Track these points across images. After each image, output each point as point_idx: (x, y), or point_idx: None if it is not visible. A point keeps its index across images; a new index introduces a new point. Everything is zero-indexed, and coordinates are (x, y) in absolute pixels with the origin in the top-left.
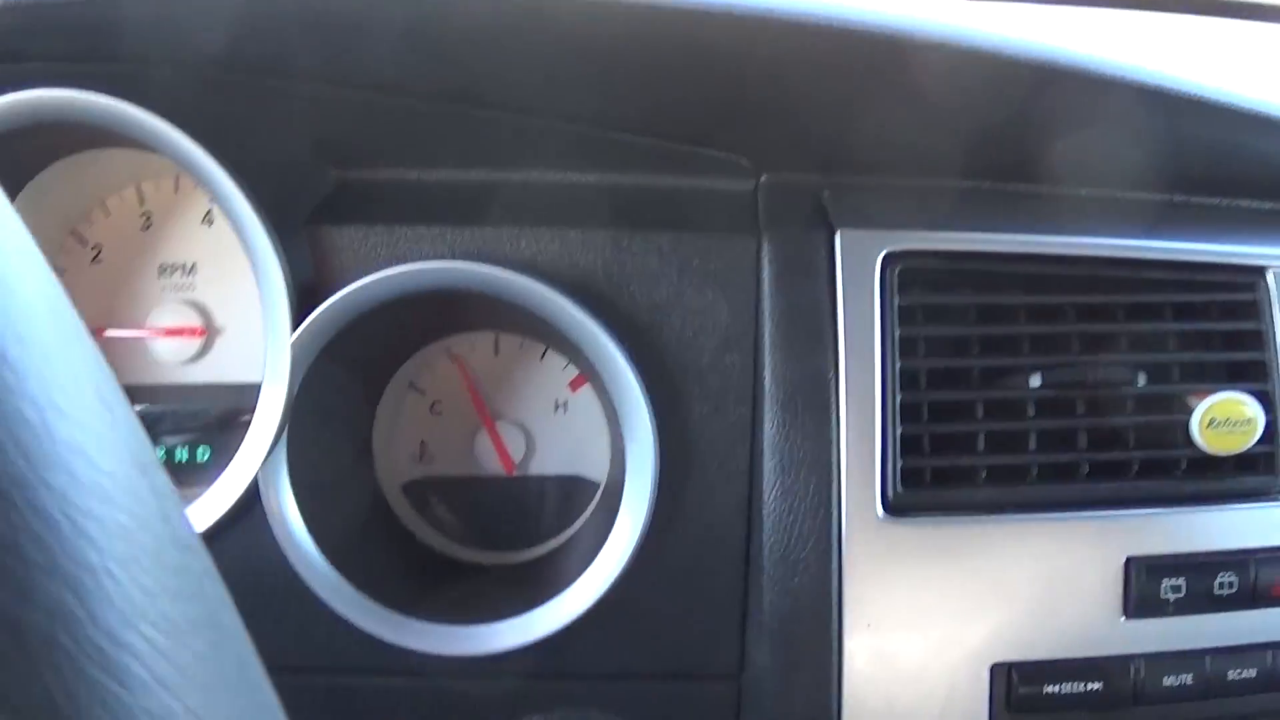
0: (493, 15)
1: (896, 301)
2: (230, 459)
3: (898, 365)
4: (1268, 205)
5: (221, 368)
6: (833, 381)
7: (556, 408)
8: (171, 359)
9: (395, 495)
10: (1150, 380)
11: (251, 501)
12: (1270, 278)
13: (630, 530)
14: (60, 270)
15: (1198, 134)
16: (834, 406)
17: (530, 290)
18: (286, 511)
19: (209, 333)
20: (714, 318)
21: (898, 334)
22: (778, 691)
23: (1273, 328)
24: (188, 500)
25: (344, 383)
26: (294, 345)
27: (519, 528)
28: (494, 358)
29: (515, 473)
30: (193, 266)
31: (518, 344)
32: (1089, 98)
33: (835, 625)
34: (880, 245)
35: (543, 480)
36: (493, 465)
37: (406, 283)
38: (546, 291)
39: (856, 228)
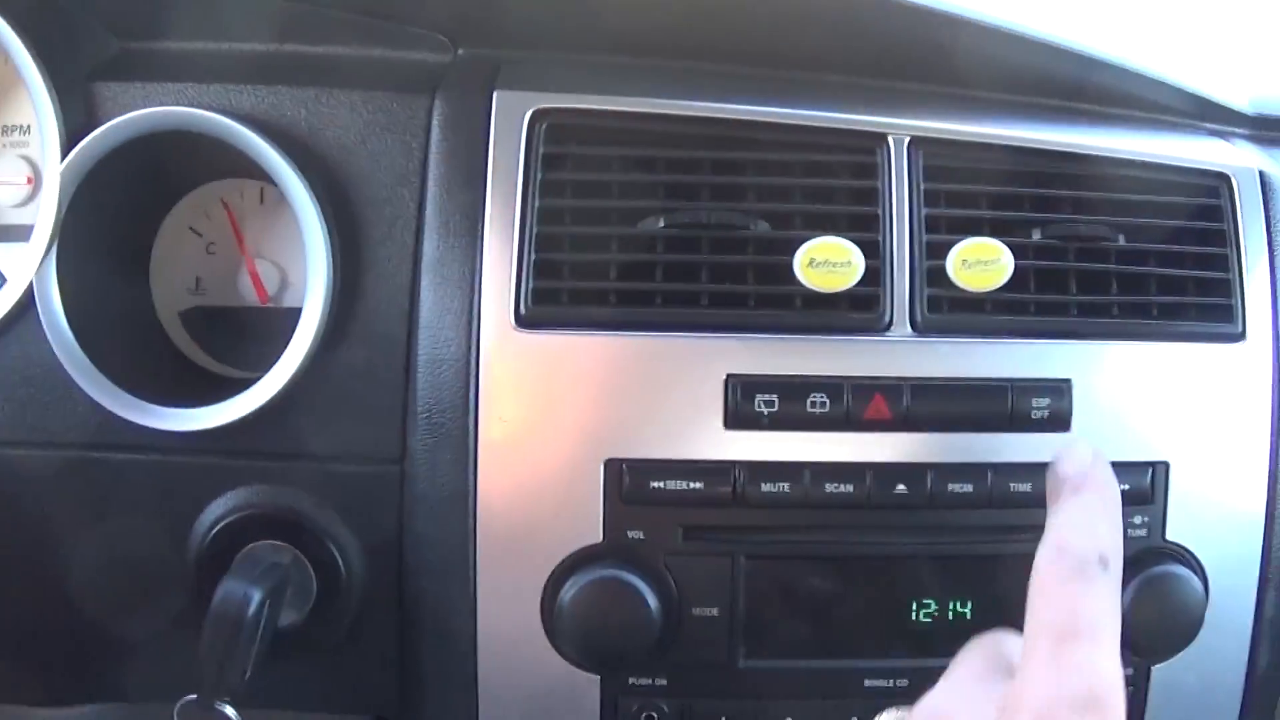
0: None
1: (541, 150)
2: None
3: (537, 203)
4: (900, 85)
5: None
6: (480, 215)
7: None
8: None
9: (172, 321)
10: (774, 227)
11: (29, 304)
12: (890, 142)
13: (309, 331)
14: None
15: (831, 17)
16: (479, 235)
17: (233, 131)
18: (54, 307)
19: (35, 182)
20: (390, 160)
21: (540, 178)
22: (427, 474)
23: (887, 186)
24: None
25: (118, 211)
26: (62, 172)
27: (272, 348)
28: (259, 205)
29: (269, 303)
30: (28, 128)
31: (279, 194)
32: None
33: (472, 417)
34: (530, 104)
35: (294, 311)
36: (252, 297)
37: (142, 124)
38: (247, 132)
39: (513, 89)
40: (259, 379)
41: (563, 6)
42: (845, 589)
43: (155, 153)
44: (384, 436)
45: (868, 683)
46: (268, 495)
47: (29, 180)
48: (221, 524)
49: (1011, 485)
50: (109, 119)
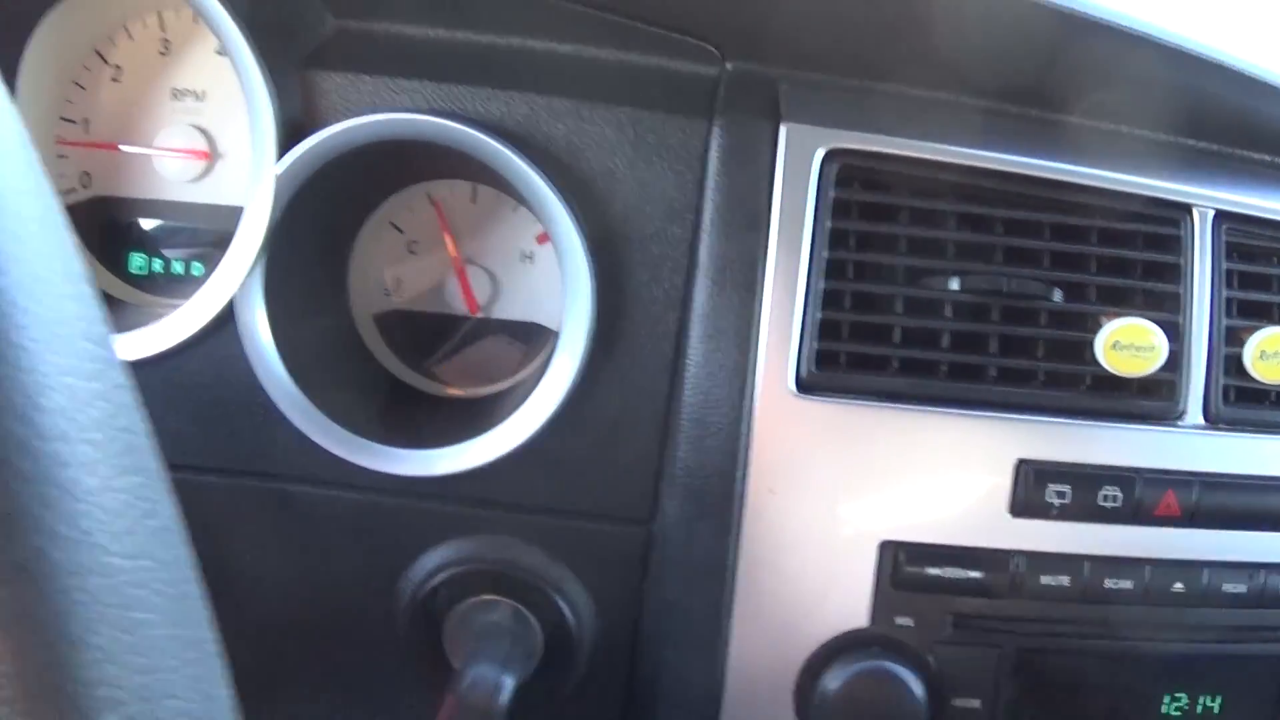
0: None
1: (831, 195)
2: None
3: (825, 255)
4: (1203, 145)
5: (220, 191)
6: (761, 263)
7: (523, 258)
8: (176, 177)
9: (366, 324)
10: (1068, 298)
11: (227, 318)
12: (1195, 215)
13: (563, 378)
14: (81, 87)
15: (1148, 73)
16: (760, 286)
17: (491, 149)
18: (257, 328)
19: (212, 157)
20: (661, 191)
21: (828, 226)
22: (682, 540)
23: (1190, 264)
24: (169, 311)
25: (325, 217)
26: (278, 177)
27: (477, 365)
28: (471, 205)
29: (479, 314)
30: (204, 93)
31: (493, 195)
32: (1048, 22)
33: (739, 486)
34: (822, 141)
35: (504, 324)
36: (459, 305)
37: (382, 130)
38: (506, 151)
39: (802, 122)
40: (480, 404)
41: (855, 28)
42: (1106, 681)
43: (375, 154)
44: (633, 495)
45: None
46: (491, 548)
47: (205, 154)
48: (440, 577)
49: (1270, 583)
50: (330, 115)
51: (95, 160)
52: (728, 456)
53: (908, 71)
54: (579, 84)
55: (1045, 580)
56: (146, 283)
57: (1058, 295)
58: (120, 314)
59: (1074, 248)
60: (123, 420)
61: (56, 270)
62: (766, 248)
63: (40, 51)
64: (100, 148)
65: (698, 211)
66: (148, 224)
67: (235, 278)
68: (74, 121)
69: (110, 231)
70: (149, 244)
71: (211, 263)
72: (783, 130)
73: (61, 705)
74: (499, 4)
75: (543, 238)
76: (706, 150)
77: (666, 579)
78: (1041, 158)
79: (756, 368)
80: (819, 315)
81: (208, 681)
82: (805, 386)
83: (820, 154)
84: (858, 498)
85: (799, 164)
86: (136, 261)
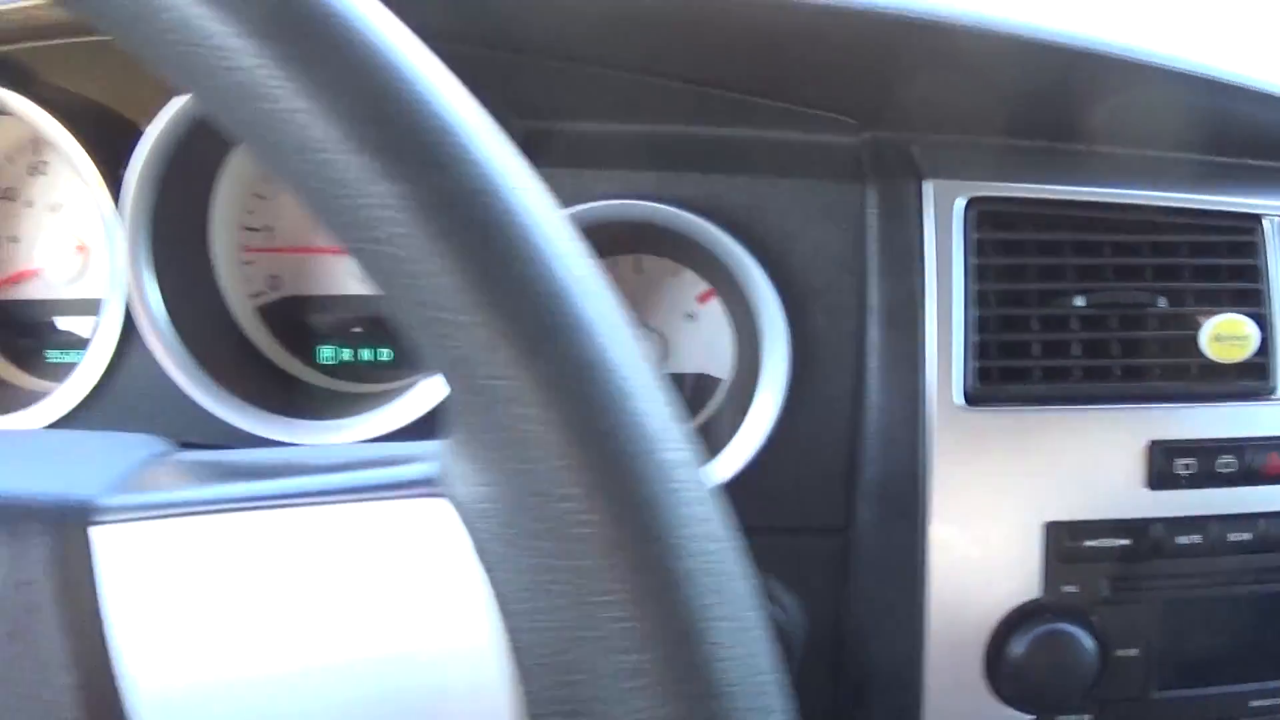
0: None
1: (975, 237)
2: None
3: (975, 287)
4: (1265, 163)
5: None
6: (920, 300)
7: (687, 318)
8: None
9: None
10: (1170, 303)
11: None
12: (1265, 224)
13: (767, 413)
14: (261, 198)
15: (1214, 107)
16: (921, 320)
17: (696, 225)
18: None
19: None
20: (831, 247)
21: (974, 263)
22: (877, 541)
23: (1266, 263)
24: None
25: None
26: None
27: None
28: (636, 275)
29: None
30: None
31: (657, 264)
32: (1126, 79)
33: (923, 488)
34: (961, 192)
35: (676, 376)
36: None
37: (601, 215)
38: (709, 226)
39: (942, 178)
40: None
41: (970, 96)
42: (1239, 624)
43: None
44: (830, 508)
45: (1252, 703)
46: None
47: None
48: None
49: None
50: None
51: (281, 263)
52: (911, 465)
53: (1018, 128)
54: (748, 162)
55: (1180, 540)
56: (340, 371)
57: (1163, 302)
58: (320, 401)
59: (1171, 260)
60: None
61: None
62: (924, 286)
63: (230, 174)
64: (285, 252)
65: (863, 261)
66: (333, 317)
67: None
68: (257, 230)
69: (300, 327)
70: (336, 336)
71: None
72: (928, 186)
73: None
74: (670, 98)
75: (704, 298)
76: (864, 208)
77: (866, 577)
78: (1136, 189)
79: (928, 387)
80: (976, 338)
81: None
82: (971, 399)
83: (962, 203)
84: (1022, 488)
85: (944, 214)
86: (325, 353)
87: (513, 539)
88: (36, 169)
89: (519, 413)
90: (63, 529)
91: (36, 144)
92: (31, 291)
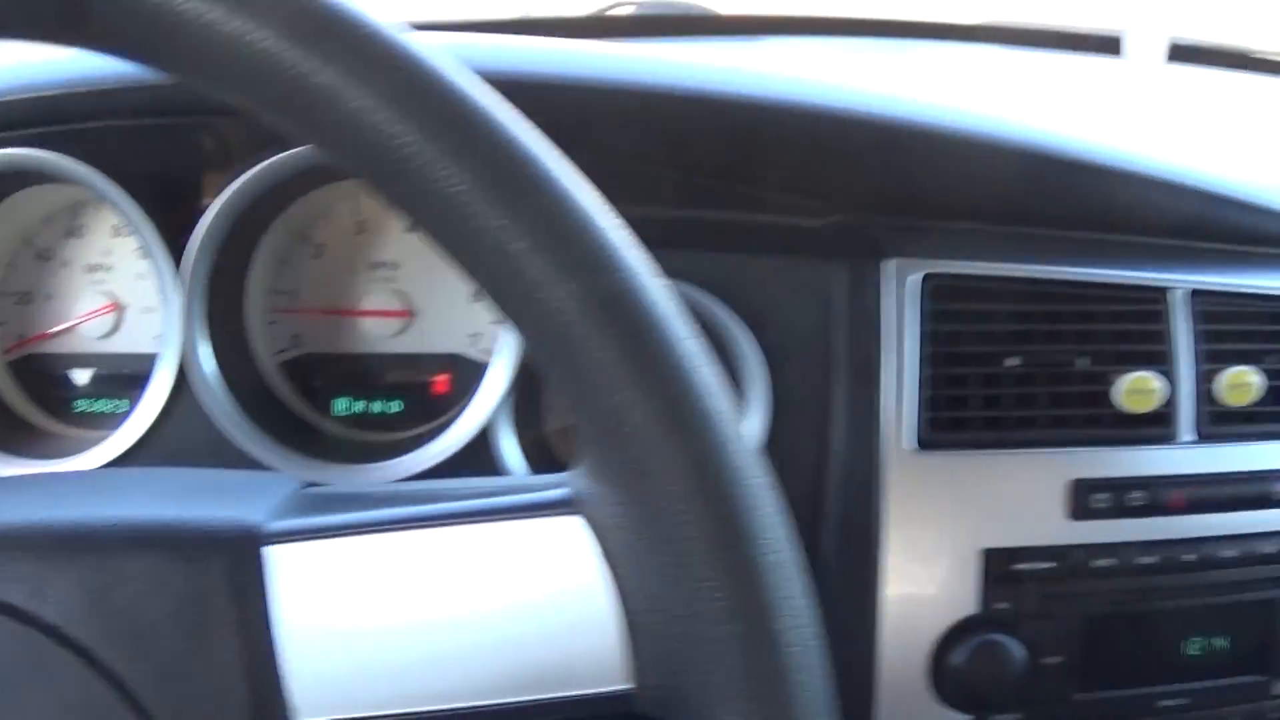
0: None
1: (928, 308)
2: (433, 414)
3: (927, 350)
4: (1173, 242)
5: (424, 341)
6: (877, 361)
7: None
8: (380, 333)
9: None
10: (1091, 362)
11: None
12: (1170, 295)
13: None
14: (287, 263)
15: (1135, 196)
16: (879, 378)
17: (691, 295)
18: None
19: (411, 314)
20: (802, 314)
21: (927, 329)
22: (838, 569)
23: (1171, 329)
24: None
25: None
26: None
27: None
28: None
29: None
30: (396, 263)
31: None
32: (1062, 176)
33: (878, 522)
34: (913, 269)
35: None
36: None
37: None
38: (701, 295)
39: (898, 257)
40: None
41: (924, 185)
42: (1149, 635)
43: None
44: (798, 532)
45: (1160, 703)
46: None
47: (404, 314)
48: None
49: (1264, 549)
50: None
51: (302, 323)
52: (868, 502)
53: (966, 213)
54: (734, 240)
55: (1097, 563)
56: (354, 421)
57: (1084, 361)
58: (335, 449)
59: (1091, 326)
60: None
61: None
62: (880, 349)
63: (266, 244)
64: (307, 313)
65: (829, 328)
66: (349, 371)
67: (483, 410)
68: (283, 293)
69: (318, 381)
70: (354, 390)
71: (419, 404)
72: (887, 265)
73: None
74: (659, 186)
75: None
76: (830, 284)
77: (826, 599)
78: (1063, 265)
79: (884, 435)
80: (927, 394)
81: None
82: (923, 445)
83: (917, 278)
84: (964, 520)
85: (900, 287)
86: (340, 405)
87: (640, 545)
88: (73, 231)
89: (653, 455)
90: (239, 549)
91: (75, 208)
92: (64, 346)
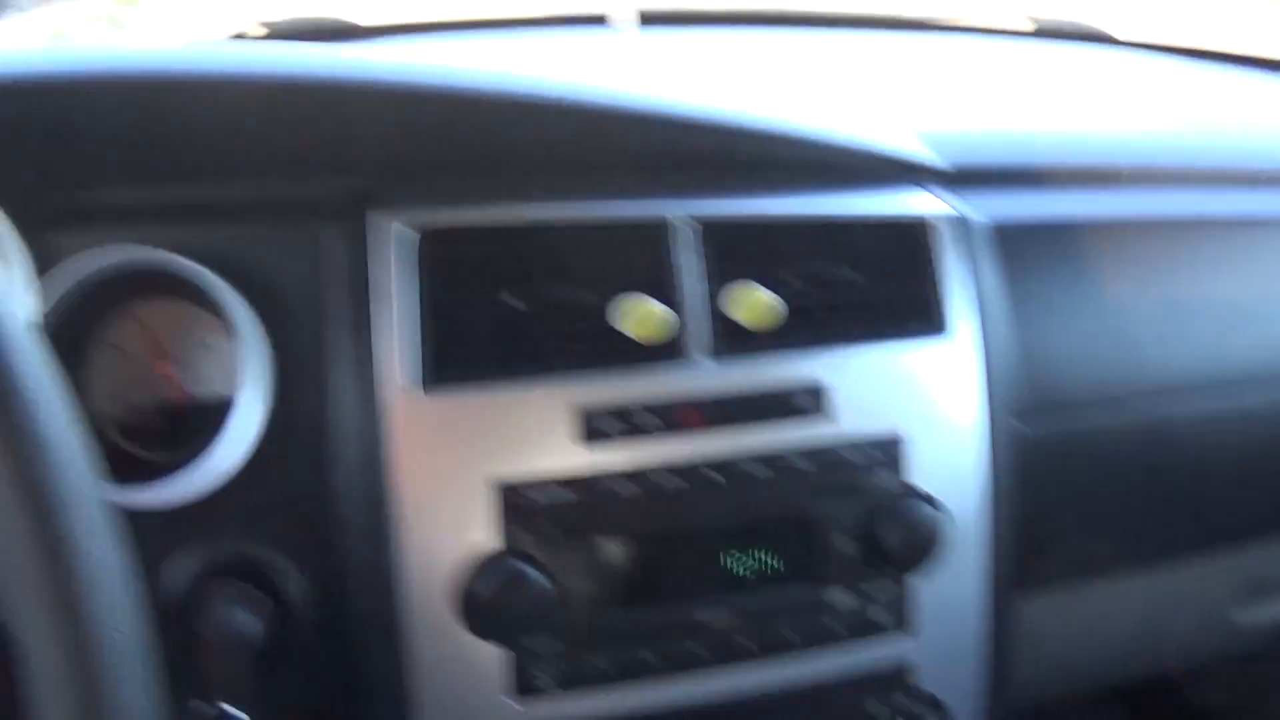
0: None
1: (424, 256)
2: None
3: (426, 296)
4: (672, 174)
5: None
6: (367, 313)
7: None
8: None
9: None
10: (594, 295)
11: None
12: (669, 225)
13: (252, 420)
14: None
15: (610, 134)
16: (372, 328)
17: (185, 266)
18: None
19: None
20: (295, 275)
21: (424, 276)
22: (355, 509)
23: (671, 256)
24: None
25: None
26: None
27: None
28: (161, 314)
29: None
30: None
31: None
32: (523, 118)
33: (388, 464)
34: (397, 219)
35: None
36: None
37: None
38: (197, 268)
39: (379, 209)
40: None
41: (403, 143)
42: (682, 555)
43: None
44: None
45: (695, 615)
46: None
47: None
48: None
49: (799, 465)
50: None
51: None
52: (374, 446)
53: (455, 164)
54: (236, 213)
55: (619, 489)
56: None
57: (586, 294)
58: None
59: (591, 262)
60: None
61: None
62: (374, 299)
63: None
64: None
65: (321, 284)
66: None
67: None
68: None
69: None
70: None
71: None
72: (377, 219)
73: None
74: (169, 163)
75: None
76: (319, 243)
77: (352, 541)
78: (559, 205)
79: (384, 379)
80: (427, 336)
81: None
82: (429, 385)
83: (406, 230)
84: (476, 453)
85: (388, 240)
86: None
87: None
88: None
89: None
90: None
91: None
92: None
